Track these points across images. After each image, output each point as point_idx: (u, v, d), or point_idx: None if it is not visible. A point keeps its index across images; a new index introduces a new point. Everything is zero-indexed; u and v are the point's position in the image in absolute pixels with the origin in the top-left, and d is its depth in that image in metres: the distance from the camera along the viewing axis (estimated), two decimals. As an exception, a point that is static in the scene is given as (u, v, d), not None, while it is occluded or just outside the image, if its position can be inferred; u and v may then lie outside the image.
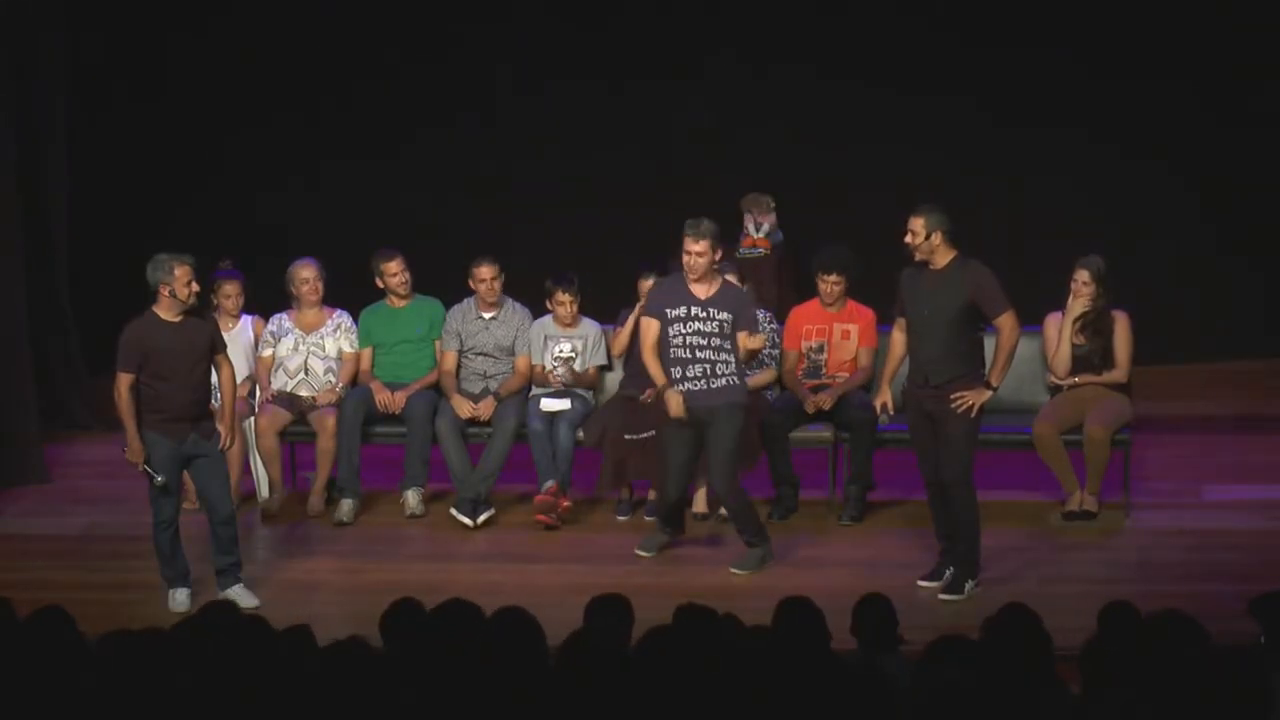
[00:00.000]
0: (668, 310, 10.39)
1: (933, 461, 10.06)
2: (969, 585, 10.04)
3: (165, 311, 9.97)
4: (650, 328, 10.46)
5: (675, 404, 10.34)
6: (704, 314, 10.36)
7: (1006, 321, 9.96)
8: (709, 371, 10.36)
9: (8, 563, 10.60)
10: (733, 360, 10.39)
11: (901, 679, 6.35)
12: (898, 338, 10.27)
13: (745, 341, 10.39)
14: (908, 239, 9.93)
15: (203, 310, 10.21)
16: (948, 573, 10.13)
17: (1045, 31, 14.02)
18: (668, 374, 10.36)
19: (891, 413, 10.30)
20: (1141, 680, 6.07)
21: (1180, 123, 14.03)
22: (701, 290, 10.39)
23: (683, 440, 10.42)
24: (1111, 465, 11.13)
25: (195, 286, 10.00)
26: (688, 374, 10.37)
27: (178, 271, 9.92)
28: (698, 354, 10.36)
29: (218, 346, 10.16)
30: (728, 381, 10.38)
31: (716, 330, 10.36)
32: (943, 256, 9.94)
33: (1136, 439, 11.30)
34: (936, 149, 13.95)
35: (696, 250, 10.34)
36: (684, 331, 10.37)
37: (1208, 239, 14.17)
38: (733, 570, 10.48)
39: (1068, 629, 7.63)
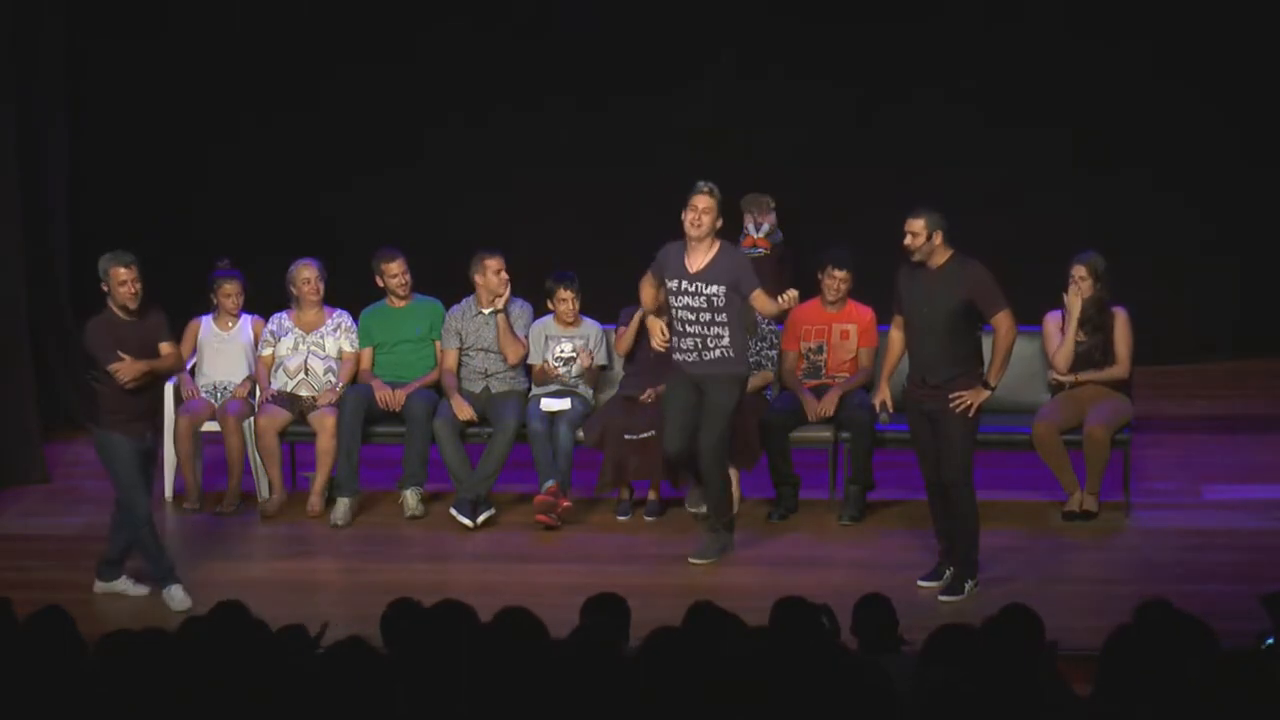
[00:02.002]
0: (665, 278, 10.44)
1: (933, 461, 10.06)
2: (968, 585, 10.04)
3: (117, 309, 10.04)
4: (645, 279, 10.55)
5: (656, 330, 10.43)
6: (692, 288, 10.35)
7: (1003, 320, 9.96)
8: (699, 345, 10.37)
9: (8, 563, 10.61)
10: (726, 334, 10.35)
11: (901, 679, 6.35)
12: (895, 336, 10.27)
13: (762, 305, 10.38)
14: (907, 241, 9.92)
15: (149, 308, 10.17)
16: (947, 573, 10.13)
17: (1043, 31, 14.03)
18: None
19: (891, 411, 10.30)
20: (1162, 683, 6.06)
21: (1179, 123, 14.04)
22: (694, 261, 10.36)
23: (681, 403, 10.42)
24: (1111, 465, 11.13)
25: (134, 288, 10.03)
26: (681, 346, 10.41)
27: (113, 272, 10.01)
28: (687, 329, 10.38)
29: (165, 338, 10.19)
30: (721, 354, 10.38)
31: (705, 305, 10.33)
32: (940, 256, 9.94)
33: (1136, 439, 11.31)
34: (934, 149, 13.96)
35: (702, 206, 10.32)
36: (675, 305, 10.40)
37: (1207, 239, 14.17)
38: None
39: (1068, 629, 7.64)
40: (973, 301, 9.91)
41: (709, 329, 10.35)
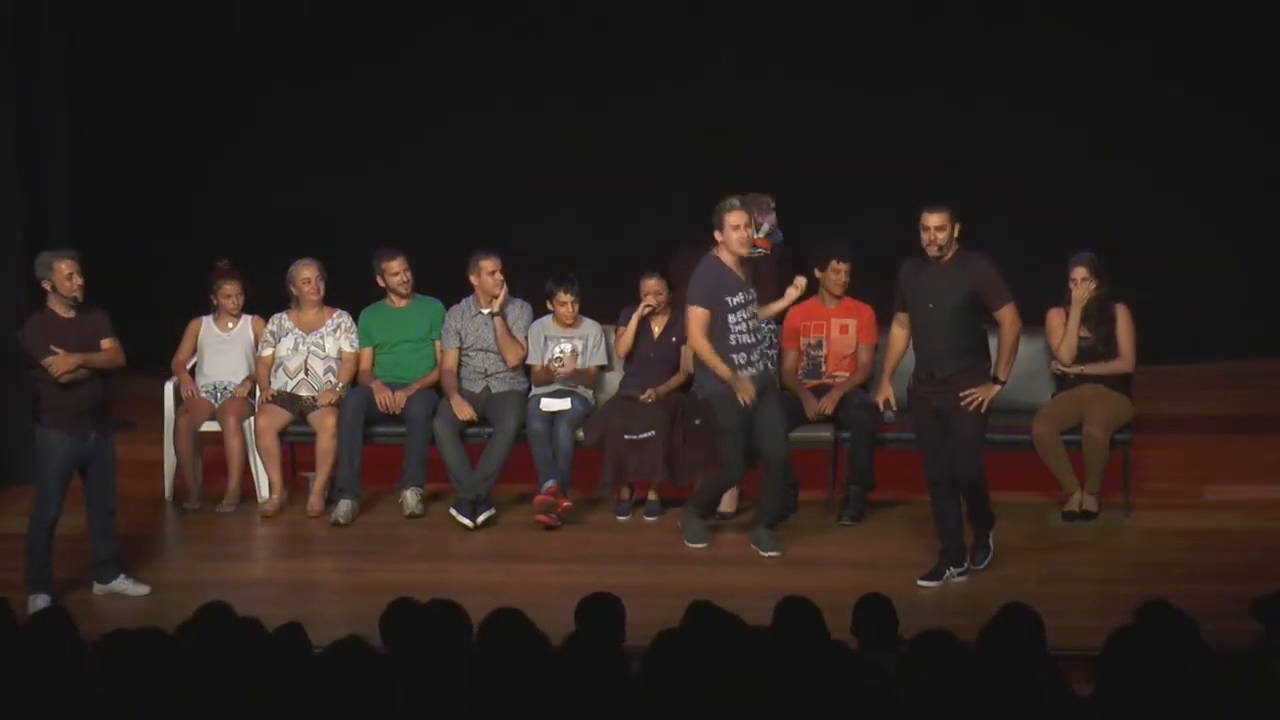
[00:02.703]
0: (729, 299, 10.46)
1: (939, 459, 10.07)
2: (991, 537, 10.21)
3: (58, 307, 10.05)
4: (702, 318, 10.44)
5: (747, 390, 10.41)
6: (751, 297, 10.59)
7: (1008, 314, 10.00)
8: (766, 355, 10.67)
9: (8, 563, 10.59)
10: None
11: (901, 679, 6.36)
12: (899, 333, 10.28)
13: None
14: (930, 236, 9.94)
15: (91, 307, 10.19)
16: (949, 572, 10.14)
17: (1043, 31, 14.03)
18: (729, 362, 10.44)
19: (895, 409, 10.32)
20: (1162, 683, 6.06)
21: (1179, 123, 14.04)
22: (742, 273, 10.57)
23: (743, 428, 10.51)
24: (1111, 465, 11.13)
25: (79, 280, 10.08)
26: (752, 358, 10.53)
27: (58, 265, 10.03)
28: (758, 337, 10.58)
29: (106, 334, 10.14)
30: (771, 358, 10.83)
31: (757, 310, 10.63)
32: (950, 250, 9.99)
33: (1136, 439, 11.30)
34: (934, 149, 13.96)
35: (745, 223, 10.49)
36: (744, 318, 10.52)
37: (1207, 239, 14.17)
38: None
39: (1067, 629, 7.64)
40: (978, 294, 9.94)
41: (765, 333, 10.71)
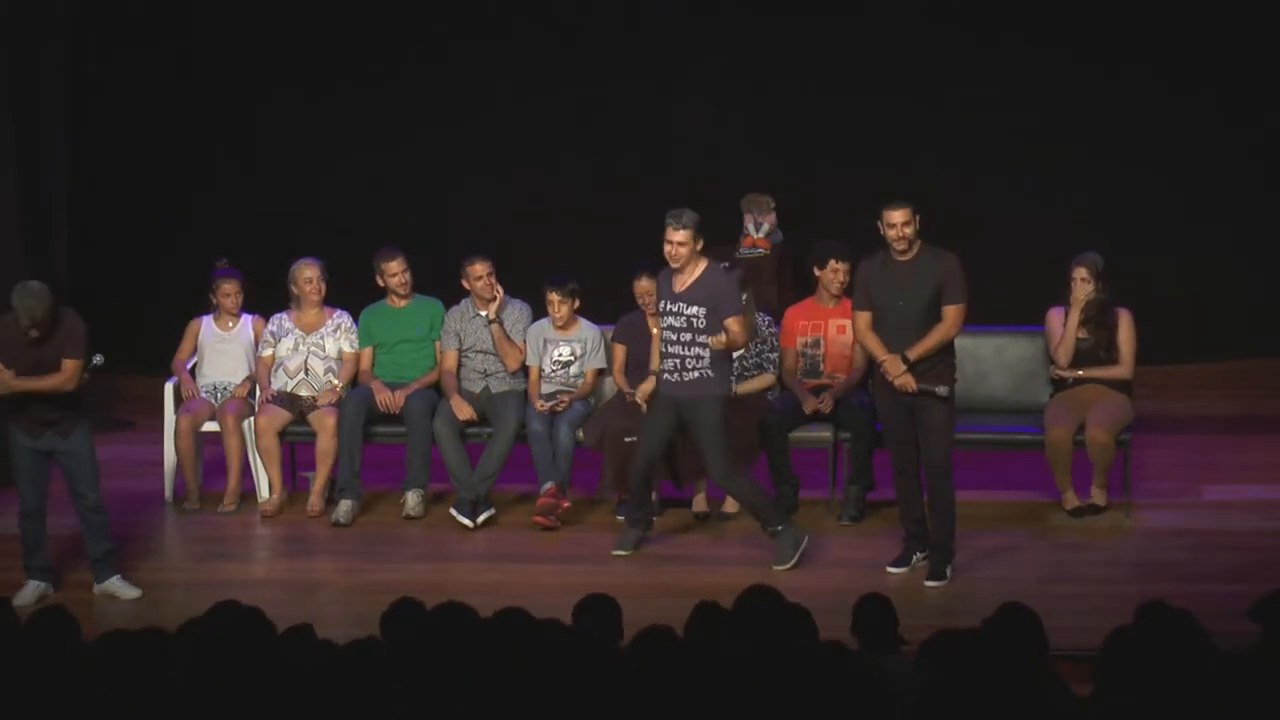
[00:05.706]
0: (658, 303, 10.61)
1: (905, 448, 10.12)
2: (949, 569, 10.13)
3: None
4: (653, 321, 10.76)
5: (643, 390, 10.95)
6: (674, 308, 10.44)
7: (954, 314, 10.05)
8: (679, 366, 10.44)
9: (8, 563, 10.61)
10: (705, 354, 10.37)
11: (901, 679, 6.35)
12: (866, 331, 10.24)
13: (732, 326, 10.37)
14: (898, 232, 10.00)
15: (59, 325, 9.96)
16: (915, 557, 10.25)
17: (1044, 33, 14.03)
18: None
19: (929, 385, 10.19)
20: (1162, 683, 6.06)
21: (1179, 123, 14.03)
22: (679, 282, 10.46)
23: (652, 424, 10.60)
24: (1111, 465, 11.12)
25: (25, 324, 9.78)
26: (664, 365, 10.52)
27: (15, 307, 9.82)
28: (669, 348, 10.47)
29: (68, 352, 9.93)
30: (699, 375, 10.41)
31: (685, 325, 10.40)
32: (915, 247, 10.04)
33: (1136, 439, 11.30)
34: (936, 149, 13.96)
35: (677, 240, 10.38)
36: (662, 324, 10.52)
37: (1207, 239, 14.16)
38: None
39: (1068, 629, 7.64)
40: (940, 286, 9.98)
41: (689, 349, 10.39)
